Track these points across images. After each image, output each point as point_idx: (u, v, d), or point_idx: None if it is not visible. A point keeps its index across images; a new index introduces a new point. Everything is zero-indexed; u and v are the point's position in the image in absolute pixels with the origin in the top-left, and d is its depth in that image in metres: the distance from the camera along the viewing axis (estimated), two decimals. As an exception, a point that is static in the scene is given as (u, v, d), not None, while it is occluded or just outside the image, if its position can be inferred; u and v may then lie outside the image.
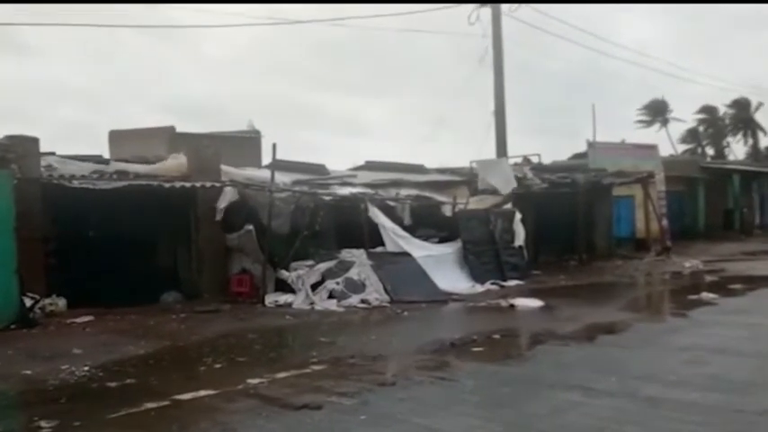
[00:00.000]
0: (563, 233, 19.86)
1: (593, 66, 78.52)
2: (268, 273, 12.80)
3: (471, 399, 5.93)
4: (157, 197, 12.43)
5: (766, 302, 11.70)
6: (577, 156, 29.04)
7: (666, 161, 27.73)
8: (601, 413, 5.34)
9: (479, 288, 14.27)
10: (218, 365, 7.53)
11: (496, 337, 8.92)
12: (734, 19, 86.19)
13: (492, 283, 14.66)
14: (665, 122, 63.44)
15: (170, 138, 15.55)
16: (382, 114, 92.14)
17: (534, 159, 21.94)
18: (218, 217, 13.18)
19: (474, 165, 19.46)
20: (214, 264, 13.37)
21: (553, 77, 78.73)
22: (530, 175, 19.06)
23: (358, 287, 12.46)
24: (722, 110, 64.79)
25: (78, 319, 10.68)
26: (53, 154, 12.79)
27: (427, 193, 16.72)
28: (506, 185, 17.57)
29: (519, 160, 21.21)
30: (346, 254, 13.16)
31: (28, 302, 10.61)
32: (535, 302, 11.87)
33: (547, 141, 79.08)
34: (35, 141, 11.86)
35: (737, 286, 13.48)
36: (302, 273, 12.58)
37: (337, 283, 12.40)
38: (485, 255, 15.44)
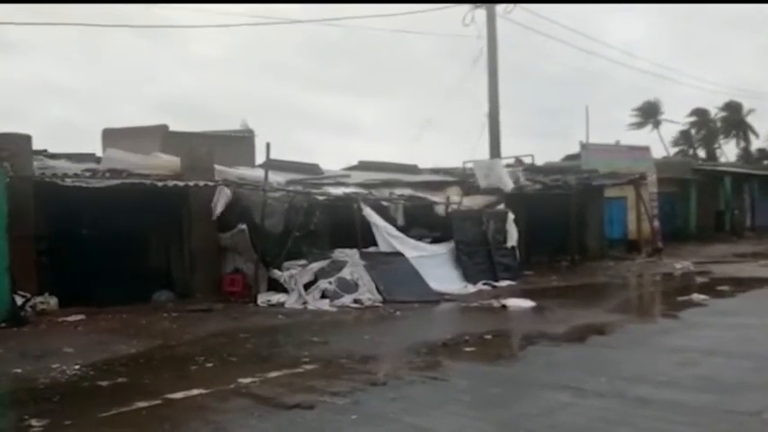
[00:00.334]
0: (555, 234, 19.92)
1: (586, 68, 78.76)
2: (261, 272, 12.81)
3: (463, 398, 5.95)
4: (150, 196, 12.40)
5: (756, 304, 11.76)
6: (570, 157, 29.13)
7: (659, 163, 27.86)
8: (591, 413, 5.37)
9: (472, 288, 14.31)
10: (209, 365, 7.53)
11: (488, 337, 8.95)
12: (722, 21, 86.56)
13: (484, 284, 14.70)
14: (657, 124, 63.70)
15: (163, 136, 15.52)
16: (375, 115, 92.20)
17: (527, 160, 22.00)
18: (215, 216, 13.13)
19: (469, 165, 19.51)
20: (207, 263, 13.35)
21: (546, 79, 78.83)
22: (522, 179, 19.09)
23: (351, 287, 12.47)
24: (714, 112, 65.19)
25: (70, 318, 10.65)
26: (45, 152, 12.75)
27: (420, 194, 16.75)
28: (501, 185, 17.66)
29: (511, 161, 21.25)
30: (339, 254, 13.18)
31: (19, 301, 10.59)
32: (527, 303, 11.90)
33: (540, 143, 79.42)
34: (27, 139, 11.83)
35: (728, 288, 13.54)
36: (295, 272, 12.58)
37: (330, 283, 12.41)
38: (477, 255, 15.48)
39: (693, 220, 30.87)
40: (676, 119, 64.98)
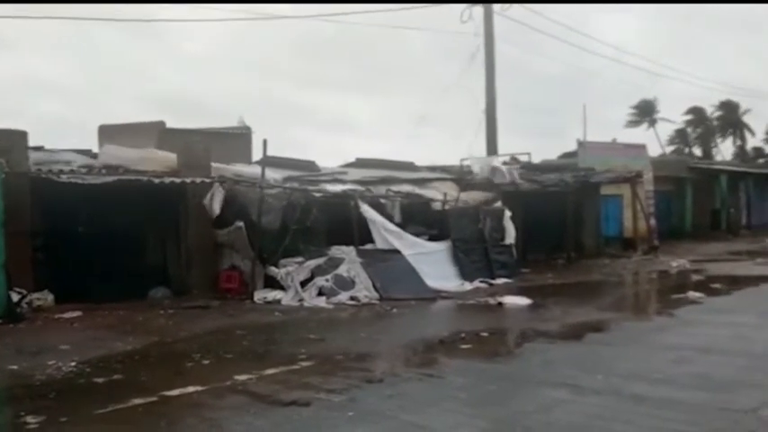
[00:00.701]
0: (552, 232, 19.95)
1: (582, 66, 78.87)
2: (257, 269, 12.79)
3: (459, 396, 5.96)
4: (147, 192, 12.37)
5: (752, 302, 11.79)
6: (567, 155, 29.16)
7: (655, 161, 27.91)
8: (587, 411, 5.39)
9: (468, 286, 14.31)
10: (206, 362, 7.52)
11: (485, 334, 8.96)
12: (715, 21, 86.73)
13: (481, 281, 14.71)
14: (653, 122, 63.85)
15: (160, 133, 15.49)
16: (372, 112, 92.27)
17: (524, 158, 22.03)
18: (214, 215, 13.06)
19: (466, 162, 19.55)
20: (203, 260, 13.33)
21: (543, 77, 79.11)
22: (518, 179, 19.09)
23: (347, 284, 12.46)
24: (710, 110, 65.37)
25: (66, 315, 10.63)
26: (41, 148, 12.71)
27: (418, 190, 16.75)
28: (496, 177, 17.81)
29: (507, 159, 21.27)
30: (336, 251, 13.16)
31: (15, 297, 10.56)
32: (523, 300, 11.92)
33: (536, 141, 79.43)
34: (23, 135, 11.79)
35: (723, 286, 13.58)
36: (291, 269, 12.57)
37: (326, 280, 12.40)
38: (474, 253, 15.48)
39: (689, 218, 30.96)
40: (672, 117, 65.35)
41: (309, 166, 16.81)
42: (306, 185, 14.56)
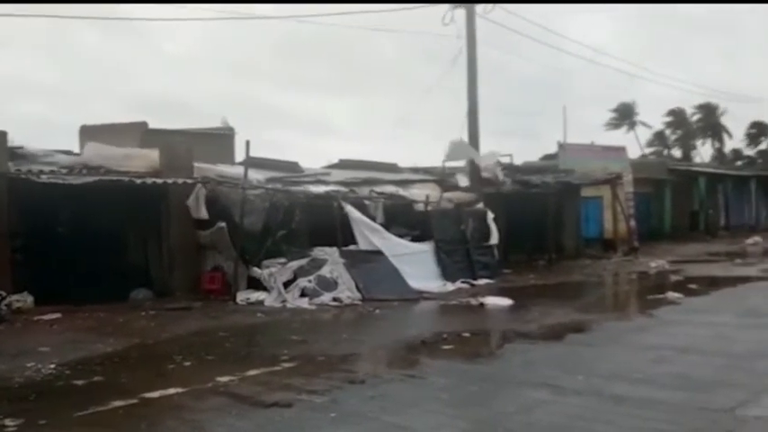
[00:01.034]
0: (533, 233, 20.09)
1: (563, 69, 79.33)
2: (240, 270, 12.74)
3: (441, 396, 5.98)
4: (129, 193, 12.29)
5: (729, 302, 11.94)
6: (548, 157, 29.39)
7: (635, 163, 28.20)
8: (568, 411, 5.43)
9: (450, 287, 14.37)
10: (187, 363, 7.49)
11: (466, 335, 9.00)
12: (693, 22, 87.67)
13: (463, 282, 14.78)
14: (632, 125, 64.47)
15: (142, 134, 15.39)
16: (354, 114, 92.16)
17: (505, 160, 22.11)
18: (201, 217, 13.00)
19: (449, 164, 19.62)
20: (185, 261, 13.26)
21: (525, 80, 79.56)
22: (501, 176, 19.21)
23: (330, 285, 12.46)
24: (690, 112, 66.11)
25: (46, 317, 10.53)
26: (21, 148, 12.58)
27: (401, 192, 16.78)
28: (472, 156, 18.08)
29: (494, 160, 21.32)
30: (319, 252, 13.15)
31: (-7, 299, 10.44)
32: (505, 301, 11.99)
33: (518, 143, 79.90)
34: (3, 135, 11.66)
35: (702, 286, 13.73)
36: (274, 270, 12.54)
37: (309, 281, 12.39)
38: (456, 253, 15.56)
39: (668, 219, 31.30)
40: (651, 119, 66.07)
41: (292, 167, 16.78)
42: (289, 186, 14.53)
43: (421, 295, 13.09)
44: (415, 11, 20.34)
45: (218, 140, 17.60)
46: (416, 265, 14.45)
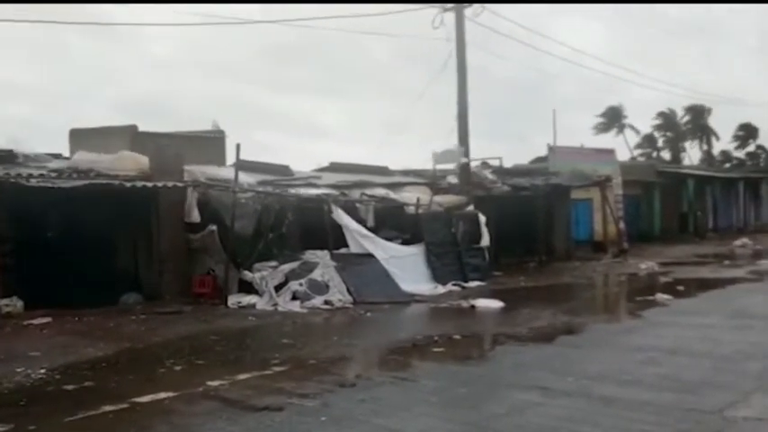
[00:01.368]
0: (523, 235, 20.16)
1: (553, 72, 79.63)
2: (231, 274, 12.72)
3: (432, 399, 6.01)
4: (118, 197, 12.25)
5: (718, 304, 12.01)
6: (538, 159, 29.49)
7: (624, 165, 28.35)
8: (557, 413, 5.47)
9: (441, 289, 14.40)
10: (178, 367, 7.48)
11: (457, 337, 9.03)
12: (677, 25, 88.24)
13: (454, 284, 14.81)
14: (621, 128, 64.83)
15: (132, 137, 15.30)
16: (344, 117, 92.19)
17: (495, 163, 22.20)
18: (195, 220, 12.99)
19: (439, 167, 19.65)
20: (176, 264, 13.22)
21: (515, 84, 79.80)
22: (490, 176, 19.28)
23: (321, 288, 12.46)
24: (680, 115, 66.51)
25: (36, 321, 10.49)
26: (11, 152, 12.52)
27: (392, 195, 16.80)
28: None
29: (478, 163, 21.41)
30: (310, 255, 13.16)
31: (-18, 304, 10.38)
32: (495, 303, 12.03)
33: (508, 145, 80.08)
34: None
35: (691, 288, 13.83)
36: (266, 274, 12.53)
37: (301, 285, 12.39)
38: (447, 256, 15.58)
39: (658, 221, 31.47)
40: (640, 121, 66.37)
41: (283, 170, 16.76)
42: (280, 189, 14.52)
43: (412, 298, 13.12)
44: (404, 14, 20.33)
45: (209, 143, 17.52)
46: (407, 267, 14.48)
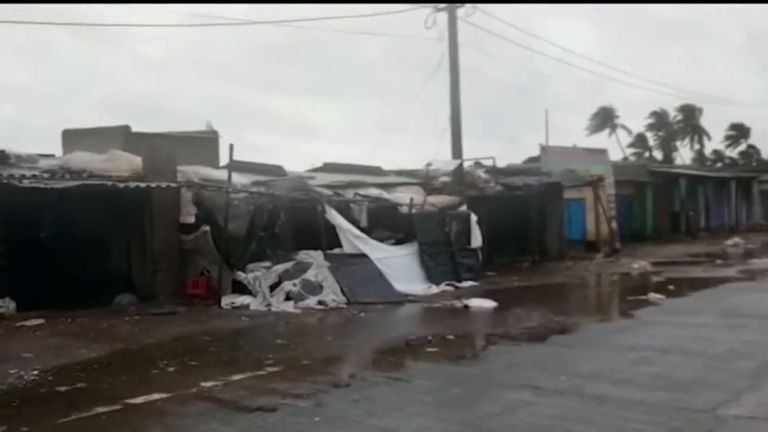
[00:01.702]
0: (516, 235, 20.19)
1: (545, 73, 79.95)
2: (225, 274, 12.70)
3: (425, 399, 6.03)
4: (111, 197, 12.21)
5: (710, 303, 12.08)
6: (531, 159, 29.61)
7: (616, 165, 28.47)
8: (550, 412, 5.49)
9: (435, 289, 14.42)
10: (171, 369, 7.47)
11: (451, 337, 9.05)
12: (665, 25, 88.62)
13: (447, 284, 14.83)
14: (613, 128, 65.09)
15: (125, 137, 15.29)
16: (337, 117, 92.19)
17: (488, 163, 22.24)
18: (190, 221, 12.97)
19: (432, 167, 19.70)
20: (169, 265, 13.17)
21: (507, 84, 79.99)
22: (483, 176, 19.33)
23: (315, 289, 12.46)
24: (672, 115, 66.83)
25: (28, 322, 10.44)
26: (3, 152, 12.47)
27: (385, 195, 16.81)
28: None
29: (471, 163, 21.47)
30: (303, 255, 13.16)
31: (-26, 305, 10.34)
32: (489, 303, 12.06)
33: (501, 146, 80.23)
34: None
35: (683, 287, 13.90)
36: (259, 274, 12.52)
37: (294, 285, 12.38)
38: (440, 256, 15.59)
39: (650, 221, 31.59)
40: (631, 121, 66.75)
41: (277, 170, 16.74)
42: (273, 190, 14.50)
43: (405, 298, 13.13)
44: (397, 14, 20.36)
45: (203, 144, 17.52)
46: (401, 267, 14.50)
